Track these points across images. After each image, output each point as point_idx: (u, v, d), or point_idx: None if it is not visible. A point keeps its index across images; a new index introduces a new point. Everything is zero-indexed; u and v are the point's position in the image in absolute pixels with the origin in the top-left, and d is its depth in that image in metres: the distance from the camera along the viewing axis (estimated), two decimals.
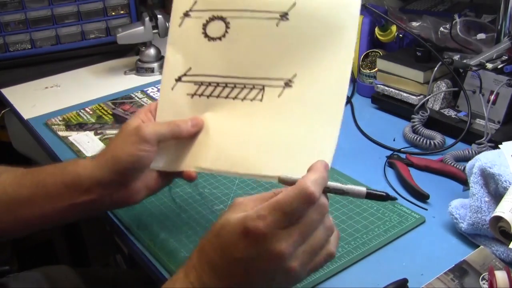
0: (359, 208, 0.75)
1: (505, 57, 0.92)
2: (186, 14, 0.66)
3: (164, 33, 1.32)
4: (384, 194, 0.54)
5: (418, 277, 0.62)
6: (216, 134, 0.64)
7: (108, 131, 1.05)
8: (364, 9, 1.15)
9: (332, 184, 0.52)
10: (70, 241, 1.60)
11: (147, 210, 0.76)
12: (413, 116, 0.96)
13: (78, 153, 0.97)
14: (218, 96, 0.65)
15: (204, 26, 0.65)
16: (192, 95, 0.66)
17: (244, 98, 0.63)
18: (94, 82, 1.33)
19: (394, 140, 0.95)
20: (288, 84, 0.61)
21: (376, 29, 1.13)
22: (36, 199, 0.64)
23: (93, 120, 1.10)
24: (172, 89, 0.67)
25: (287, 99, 0.61)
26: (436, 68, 0.96)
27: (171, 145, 0.65)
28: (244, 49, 0.64)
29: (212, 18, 0.65)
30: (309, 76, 0.61)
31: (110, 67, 1.42)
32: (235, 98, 0.64)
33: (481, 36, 1.02)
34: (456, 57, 0.99)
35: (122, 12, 1.46)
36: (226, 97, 0.64)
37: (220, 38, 0.65)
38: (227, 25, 0.64)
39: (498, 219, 0.62)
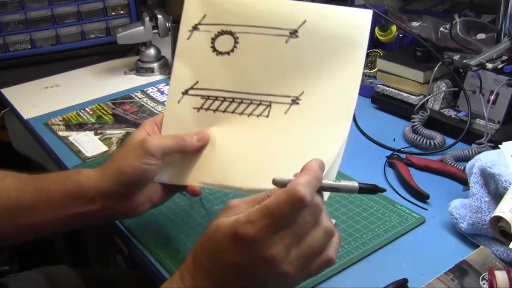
0: (359, 208, 0.75)
1: (505, 57, 0.92)
2: (195, 28, 0.66)
3: (164, 33, 1.32)
4: (374, 186, 0.54)
5: (418, 277, 0.62)
6: (221, 149, 0.64)
7: (108, 131, 1.05)
8: (364, 9, 1.15)
9: (325, 182, 0.51)
10: (70, 241, 1.60)
11: None
12: (413, 116, 0.96)
13: (78, 153, 0.97)
14: (224, 111, 0.64)
15: (213, 40, 0.65)
16: (199, 109, 0.66)
17: (250, 114, 0.63)
18: (94, 82, 1.33)
19: (394, 140, 0.95)
20: (295, 101, 0.61)
21: (376, 29, 1.13)
22: (39, 206, 0.64)
23: (93, 120, 1.10)
24: (179, 102, 0.67)
25: (293, 116, 0.61)
26: (436, 68, 0.96)
27: (176, 158, 0.65)
28: (252, 64, 0.63)
29: (221, 33, 0.64)
30: (316, 94, 0.60)
31: (110, 67, 1.42)
32: (241, 113, 0.63)
33: (481, 36, 1.02)
34: (456, 57, 0.99)
35: (122, 12, 1.46)
36: (233, 112, 0.64)
37: (228, 53, 0.64)
38: (236, 40, 0.64)
39: (498, 219, 0.62)
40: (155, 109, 1.14)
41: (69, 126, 1.08)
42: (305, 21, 0.61)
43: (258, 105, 0.63)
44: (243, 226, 0.47)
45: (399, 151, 0.90)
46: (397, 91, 1.03)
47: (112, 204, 0.64)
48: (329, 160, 0.56)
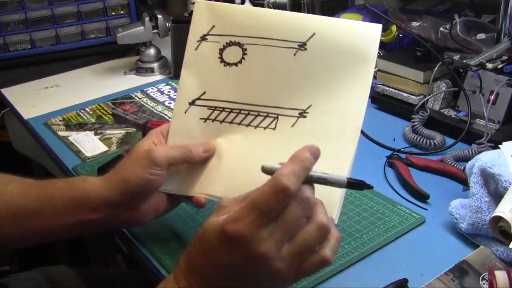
0: (359, 208, 0.75)
1: (505, 57, 0.92)
2: (203, 38, 0.66)
3: (164, 33, 1.32)
4: (361, 182, 0.52)
5: (418, 277, 0.62)
6: (227, 161, 0.64)
7: (108, 131, 1.05)
8: (364, 9, 1.15)
9: (313, 173, 0.49)
10: (70, 241, 1.60)
11: None
12: (413, 116, 0.96)
13: (78, 153, 0.97)
14: (231, 122, 0.64)
15: (221, 51, 0.65)
16: (205, 120, 0.65)
17: (257, 126, 0.63)
18: (94, 82, 1.33)
19: (394, 140, 0.95)
20: (302, 114, 0.61)
21: None
22: (43, 212, 0.64)
23: (93, 120, 1.10)
24: (185, 112, 0.66)
25: (300, 130, 0.60)
26: (436, 68, 0.96)
27: (182, 168, 0.65)
28: (260, 76, 0.63)
29: (230, 44, 0.64)
30: (324, 108, 0.60)
31: (110, 67, 1.42)
32: (248, 125, 0.63)
33: (481, 36, 1.02)
34: (456, 57, 0.99)
35: (122, 12, 1.46)
36: (239, 123, 0.63)
37: (236, 64, 0.64)
38: (244, 52, 0.64)
39: (498, 219, 0.62)
40: (155, 109, 1.14)
41: (69, 126, 1.08)
42: (314, 34, 0.61)
43: (265, 117, 0.62)
44: (232, 224, 0.46)
45: (399, 151, 0.90)
46: (397, 91, 1.03)
47: (117, 213, 0.64)
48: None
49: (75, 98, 1.21)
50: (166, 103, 1.17)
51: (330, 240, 0.50)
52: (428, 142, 0.90)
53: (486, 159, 0.67)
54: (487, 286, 0.59)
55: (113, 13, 1.46)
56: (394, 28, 1.10)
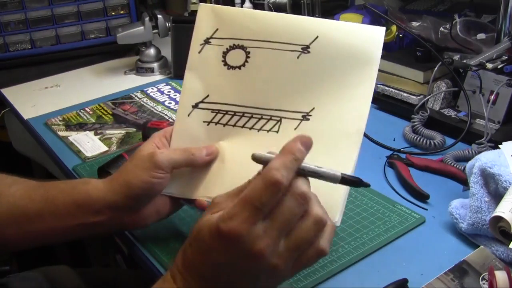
0: (359, 208, 0.75)
1: (505, 57, 0.92)
2: (207, 41, 0.66)
3: (164, 33, 1.32)
4: (357, 179, 0.51)
5: (418, 277, 0.62)
6: (230, 164, 0.64)
7: (108, 131, 1.05)
8: (364, 9, 1.15)
9: (306, 166, 0.49)
10: (70, 241, 1.60)
11: None
12: (413, 116, 0.96)
13: (78, 153, 0.97)
14: (234, 125, 0.64)
15: (224, 54, 0.65)
16: (208, 123, 0.65)
17: (260, 129, 0.63)
18: (94, 82, 1.33)
19: (394, 140, 0.95)
20: (305, 117, 0.61)
21: None
22: (45, 215, 0.64)
23: (93, 120, 1.10)
24: (189, 115, 0.66)
25: (303, 133, 0.59)
26: (436, 68, 0.96)
27: (185, 171, 0.65)
28: (263, 79, 0.63)
29: (233, 47, 0.64)
30: (327, 111, 0.60)
31: (110, 67, 1.42)
32: (251, 128, 0.63)
33: (481, 36, 1.02)
34: (456, 57, 0.99)
35: (122, 12, 1.46)
36: (242, 126, 0.63)
37: (239, 67, 0.64)
38: (247, 55, 0.64)
39: (498, 219, 0.62)
40: (155, 109, 1.14)
41: (69, 126, 1.08)
42: (317, 37, 0.61)
43: (268, 120, 0.62)
44: (226, 222, 0.46)
45: (399, 151, 0.90)
46: (397, 91, 1.03)
47: (119, 216, 0.64)
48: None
49: (75, 98, 1.21)
50: (166, 103, 1.17)
51: (325, 231, 0.49)
52: (428, 142, 0.90)
53: (486, 159, 0.67)
54: (487, 286, 0.59)
55: (113, 13, 1.46)
56: (394, 28, 1.10)
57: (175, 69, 1.30)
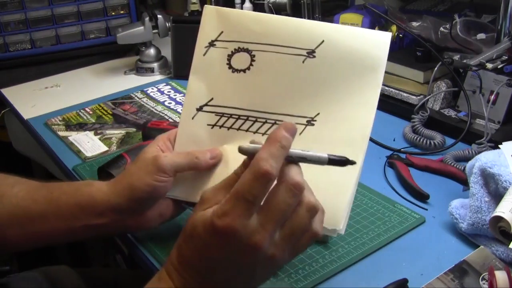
0: (359, 208, 0.75)
1: (505, 57, 0.92)
2: (212, 44, 0.65)
3: (164, 33, 1.32)
4: (344, 158, 0.50)
5: (418, 277, 0.62)
6: (234, 168, 0.63)
7: (108, 131, 1.05)
8: (364, 9, 1.15)
9: (292, 152, 0.49)
10: (72, 242, 1.60)
11: None
12: (413, 116, 0.96)
13: (78, 153, 0.97)
14: (238, 129, 0.64)
15: (229, 57, 0.64)
16: (213, 126, 0.65)
17: (264, 133, 0.62)
18: (94, 82, 1.33)
19: (394, 140, 0.95)
20: (310, 122, 0.60)
21: (376, 29, 1.13)
22: (48, 217, 0.64)
23: (93, 120, 1.10)
24: (193, 118, 0.66)
25: (307, 138, 0.60)
26: (436, 68, 0.96)
27: (189, 174, 0.64)
28: (268, 83, 0.62)
29: (238, 50, 0.64)
30: (332, 116, 0.60)
31: (110, 67, 1.42)
32: (255, 132, 0.63)
33: (481, 36, 1.02)
34: (456, 57, 0.99)
35: (122, 12, 1.46)
36: (247, 130, 0.63)
37: (244, 71, 0.64)
38: (252, 58, 0.63)
39: (498, 219, 0.62)
40: (155, 109, 1.14)
41: (69, 126, 1.08)
42: (323, 41, 0.60)
43: (273, 124, 0.62)
44: (220, 219, 0.46)
45: (399, 151, 0.90)
46: (397, 91, 1.03)
47: (122, 218, 0.64)
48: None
49: (75, 98, 1.21)
50: (166, 103, 1.17)
51: (317, 215, 0.50)
52: (428, 142, 0.90)
53: (486, 159, 0.67)
54: (487, 286, 0.59)
55: (113, 13, 1.46)
56: (394, 28, 1.10)
57: (175, 69, 1.30)
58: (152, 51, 1.35)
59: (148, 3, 1.74)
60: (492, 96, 0.88)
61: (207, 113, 0.65)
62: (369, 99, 0.59)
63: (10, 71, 1.39)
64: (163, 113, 1.12)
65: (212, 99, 0.65)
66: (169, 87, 1.26)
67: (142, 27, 1.31)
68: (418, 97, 1.00)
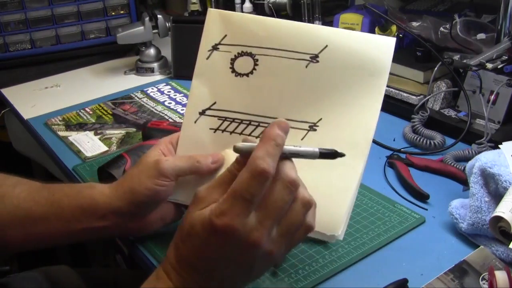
0: (359, 208, 0.75)
1: (505, 57, 0.92)
2: (215, 48, 0.65)
3: (164, 33, 1.32)
4: (333, 151, 0.52)
5: (418, 277, 0.62)
6: None
7: (108, 131, 1.05)
8: (364, 9, 1.15)
9: (286, 148, 0.49)
10: (73, 243, 1.60)
11: None
12: (413, 116, 0.96)
13: (78, 153, 0.97)
14: (241, 133, 0.63)
15: (232, 61, 0.64)
16: (215, 130, 0.65)
17: None
18: (94, 82, 1.33)
19: (394, 140, 0.95)
20: (312, 127, 0.60)
21: (376, 29, 1.13)
22: (50, 218, 0.64)
23: (93, 120, 1.10)
24: (195, 122, 0.66)
25: (309, 143, 0.60)
26: (436, 68, 0.96)
27: (191, 178, 0.64)
28: (270, 88, 0.62)
29: (241, 54, 0.64)
30: (334, 122, 0.60)
31: (110, 67, 1.42)
32: (257, 137, 0.62)
33: (481, 36, 1.02)
34: (456, 57, 0.99)
35: (122, 12, 1.46)
36: (249, 135, 0.63)
37: (247, 75, 0.63)
38: (255, 62, 0.63)
39: (498, 219, 0.62)
40: (155, 109, 1.14)
41: (69, 126, 1.08)
42: (326, 46, 0.60)
43: None
44: (219, 218, 0.47)
45: (399, 151, 0.90)
46: (397, 91, 1.03)
47: (124, 221, 0.64)
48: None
49: (75, 98, 1.21)
50: (166, 103, 1.17)
51: (311, 209, 0.51)
52: (428, 142, 0.90)
53: (486, 159, 0.67)
54: (487, 286, 0.59)
55: (113, 13, 1.46)
56: (394, 28, 1.10)
57: (175, 69, 1.30)
58: (152, 51, 1.35)
59: (148, 3, 1.74)
60: (492, 96, 0.88)
61: (209, 117, 0.65)
62: (372, 105, 0.59)
63: (10, 71, 1.39)
64: (163, 113, 1.12)
65: (215, 103, 0.65)
66: (169, 87, 1.26)
67: (142, 27, 1.31)
68: (418, 97, 1.00)
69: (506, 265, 0.62)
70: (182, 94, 1.21)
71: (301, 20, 1.27)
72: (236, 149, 0.50)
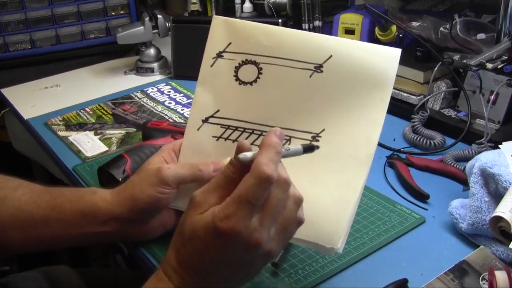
0: (359, 208, 0.75)
1: (505, 57, 0.92)
2: (219, 55, 0.65)
3: (164, 33, 1.32)
4: (311, 145, 0.55)
5: (418, 277, 0.62)
6: None
7: (108, 131, 1.05)
8: (364, 9, 1.15)
9: None
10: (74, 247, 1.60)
11: None
12: (413, 116, 0.96)
13: (78, 153, 0.97)
14: None
15: (236, 69, 0.64)
16: (218, 138, 0.64)
17: None
18: (94, 82, 1.33)
19: (394, 140, 0.95)
20: (315, 138, 0.60)
21: (376, 29, 1.13)
22: (51, 222, 0.65)
23: (93, 120, 1.10)
24: (198, 129, 0.65)
25: (312, 154, 0.59)
26: (436, 68, 0.96)
27: (193, 186, 0.64)
28: (274, 97, 0.62)
29: (245, 62, 0.63)
30: (337, 133, 0.59)
31: (110, 67, 1.42)
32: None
33: (481, 36, 1.02)
34: (456, 57, 0.99)
35: (122, 12, 1.46)
36: (252, 143, 0.62)
37: (251, 83, 0.63)
38: (259, 71, 0.63)
39: (498, 219, 0.62)
40: (155, 109, 1.14)
41: (69, 126, 1.08)
42: (331, 56, 0.60)
43: None
44: (224, 222, 0.48)
45: (399, 151, 0.90)
46: (397, 91, 1.03)
47: (125, 227, 0.64)
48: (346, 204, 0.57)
49: (75, 98, 1.21)
50: (166, 103, 1.17)
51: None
52: (428, 142, 0.90)
53: (486, 159, 0.67)
54: (487, 286, 0.59)
55: (113, 13, 1.46)
56: (394, 28, 1.10)
57: (175, 69, 1.30)
58: (152, 51, 1.35)
59: (148, 3, 1.74)
60: (492, 96, 0.88)
61: (212, 125, 0.65)
62: (375, 117, 0.58)
63: (10, 71, 1.39)
64: (163, 113, 1.12)
65: (218, 110, 0.65)
66: (169, 87, 1.26)
67: (142, 27, 1.31)
68: (418, 97, 1.00)
69: (506, 265, 0.62)
70: (182, 94, 1.21)
71: (301, 20, 1.27)
72: (240, 161, 0.51)
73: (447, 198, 0.73)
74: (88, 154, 0.96)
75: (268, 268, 0.64)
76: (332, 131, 0.60)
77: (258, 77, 0.63)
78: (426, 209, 0.75)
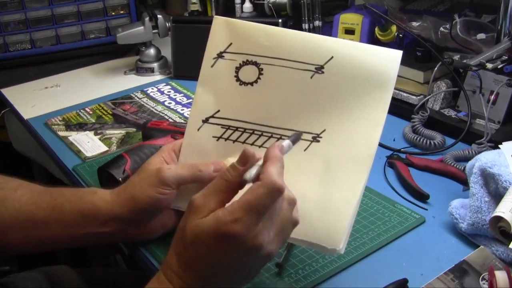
0: (359, 208, 0.75)
1: (505, 57, 0.92)
2: (220, 55, 0.65)
3: (164, 33, 1.32)
4: (296, 135, 0.58)
5: (418, 277, 0.62)
6: None
7: (108, 131, 1.05)
8: (364, 9, 1.15)
9: None
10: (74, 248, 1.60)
11: None
12: (413, 116, 0.96)
13: (78, 153, 0.97)
14: (243, 142, 0.63)
15: (237, 69, 0.64)
16: (218, 138, 0.64)
17: None
18: (94, 82, 1.33)
19: (394, 140, 0.95)
20: (316, 139, 0.60)
21: (376, 29, 1.13)
22: (51, 223, 0.65)
23: (93, 120, 1.10)
24: (198, 130, 0.65)
25: (312, 154, 0.60)
26: (436, 68, 0.96)
27: (193, 186, 0.64)
28: (275, 98, 0.62)
29: (246, 62, 0.63)
30: (338, 133, 0.59)
31: (110, 67, 1.42)
32: (260, 146, 0.62)
33: (481, 36, 1.02)
34: (456, 57, 0.99)
35: (122, 12, 1.46)
36: (252, 144, 0.63)
37: (252, 84, 0.63)
38: (260, 71, 0.63)
39: (498, 219, 0.62)
40: (155, 109, 1.14)
41: (69, 126, 1.08)
42: (332, 57, 0.60)
43: (278, 139, 0.61)
44: (230, 226, 0.48)
45: (399, 151, 0.90)
46: (397, 91, 1.03)
47: (125, 228, 0.65)
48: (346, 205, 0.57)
49: (75, 98, 1.21)
50: (166, 103, 1.17)
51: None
52: (428, 142, 0.90)
53: (486, 159, 0.67)
54: (487, 286, 0.59)
55: (113, 13, 1.46)
56: (394, 28, 1.10)
57: (175, 69, 1.30)
58: (152, 51, 1.35)
59: (148, 3, 1.74)
60: (492, 96, 0.88)
61: (213, 125, 0.65)
62: (376, 118, 0.59)
63: (10, 71, 1.39)
64: (163, 113, 1.12)
65: (218, 111, 0.65)
66: (169, 87, 1.26)
67: (142, 27, 1.31)
68: (418, 97, 1.00)
69: (506, 265, 0.62)
70: (182, 94, 1.21)
71: (301, 20, 1.27)
72: (249, 180, 0.51)
73: (447, 198, 0.73)
74: (88, 154, 0.96)
75: (268, 268, 0.64)
76: (333, 132, 0.60)
77: (259, 78, 0.63)
78: (426, 209, 0.75)
